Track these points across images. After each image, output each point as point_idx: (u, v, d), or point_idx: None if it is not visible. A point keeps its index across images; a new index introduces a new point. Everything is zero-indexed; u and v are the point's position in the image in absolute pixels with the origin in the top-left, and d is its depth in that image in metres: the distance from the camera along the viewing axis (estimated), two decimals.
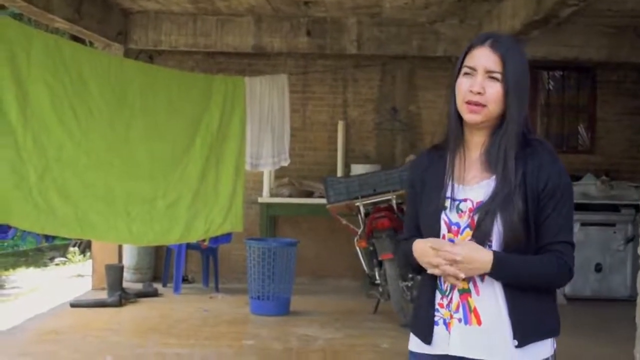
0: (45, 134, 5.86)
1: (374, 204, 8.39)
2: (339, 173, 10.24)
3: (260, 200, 10.18)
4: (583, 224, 9.80)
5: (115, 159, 6.68)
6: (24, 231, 5.77)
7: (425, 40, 9.68)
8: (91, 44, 10.14)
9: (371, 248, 8.30)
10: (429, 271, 2.58)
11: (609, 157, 10.77)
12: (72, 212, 6.15)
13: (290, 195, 10.13)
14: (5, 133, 5.49)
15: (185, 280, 10.16)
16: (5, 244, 5.69)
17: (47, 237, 6.10)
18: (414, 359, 2.74)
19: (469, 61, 2.59)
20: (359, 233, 8.46)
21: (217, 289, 9.84)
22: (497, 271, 2.49)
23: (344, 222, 8.75)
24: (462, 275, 2.50)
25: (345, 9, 9.24)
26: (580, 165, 10.59)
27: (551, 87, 11.01)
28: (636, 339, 4.16)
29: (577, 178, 10.07)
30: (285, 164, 8.58)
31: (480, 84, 2.54)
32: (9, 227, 5.64)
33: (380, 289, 8.42)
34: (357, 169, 9.94)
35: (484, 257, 2.48)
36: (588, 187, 9.94)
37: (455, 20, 9.55)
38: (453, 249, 2.50)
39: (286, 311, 8.62)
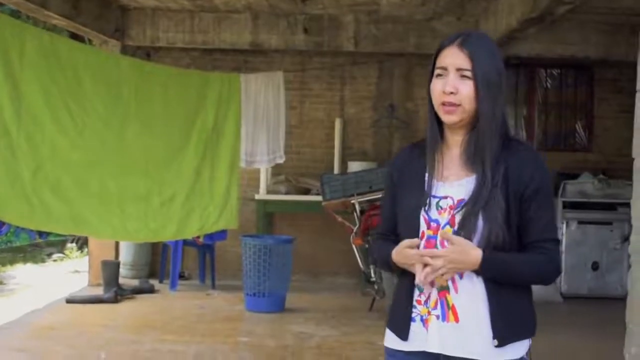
0: (39, 132, 5.85)
1: (370, 201, 8.39)
2: (336, 170, 10.24)
3: (256, 197, 10.19)
4: (580, 222, 9.83)
5: (110, 156, 6.66)
6: (18, 227, 5.77)
7: (422, 37, 9.68)
8: (90, 41, 10.15)
9: (367, 245, 8.31)
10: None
11: (607, 155, 10.76)
12: (66, 209, 6.15)
13: (287, 193, 10.14)
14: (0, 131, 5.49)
15: (181, 276, 10.16)
16: None
17: (41, 234, 6.10)
18: (389, 356, 2.74)
19: (440, 62, 2.61)
20: (354, 230, 8.47)
21: (213, 286, 9.84)
22: (486, 270, 2.51)
23: (340, 219, 8.76)
24: (448, 277, 2.54)
25: (342, 6, 9.24)
26: (578, 163, 10.60)
27: (548, 85, 10.99)
28: (626, 338, 4.15)
29: (574, 176, 10.09)
30: (281, 161, 8.58)
31: (452, 84, 2.56)
32: (2, 224, 5.64)
33: (376, 287, 8.43)
34: (355, 166, 9.94)
35: (472, 258, 2.49)
36: (585, 186, 9.95)
37: (452, 17, 9.54)
38: (439, 252, 2.51)
39: (282, 308, 8.62)
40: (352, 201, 8.42)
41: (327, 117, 10.75)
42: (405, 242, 2.58)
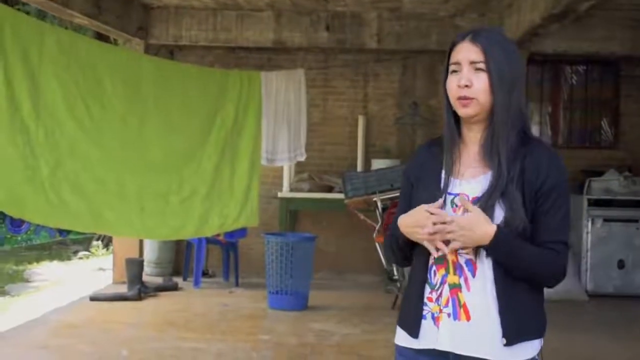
0: (57, 128, 5.88)
1: (392, 199, 8.36)
2: (359, 168, 10.23)
3: (280, 195, 10.19)
4: (606, 220, 9.73)
5: (129, 154, 6.69)
6: (38, 225, 5.81)
7: (445, 34, 9.60)
8: (116, 41, 10.20)
9: None
10: (419, 237, 2.53)
11: (633, 152, 10.65)
12: (85, 207, 6.18)
13: (310, 190, 10.12)
14: (18, 128, 5.51)
15: (205, 274, 10.19)
16: (19, 238, 5.73)
17: (61, 231, 6.15)
18: (399, 354, 2.71)
19: (453, 58, 2.59)
20: (377, 228, 8.45)
21: (237, 284, 9.85)
22: (495, 247, 2.46)
23: (362, 217, 8.75)
24: (457, 245, 2.47)
25: (364, 3, 9.23)
26: (604, 160, 10.50)
27: (574, 82, 10.89)
28: None
29: (600, 173, 10.00)
30: (302, 159, 8.57)
31: (467, 77, 2.54)
32: (22, 222, 5.68)
33: (399, 285, 8.41)
34: (378, 163, 9.91)
35: (484, 229, 2.44)
36: (611, 183, 9.86)
37: (475, 14, 9.49)
38: (452, 217, 2.47)
39: (304, 306, 8.62)
40: (374, 199, 8.40)
41: (350, 114, 10.75)
42: (423, 206, 2.54)
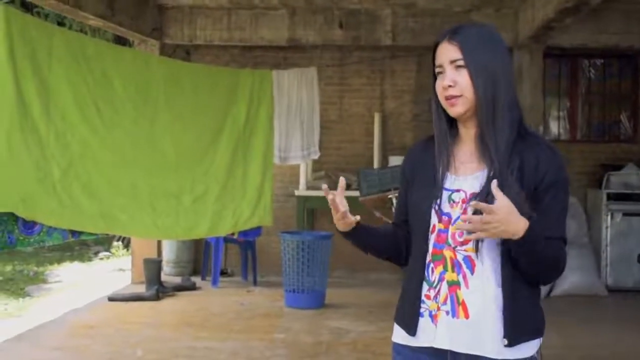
0: (68, 130, 5.91)
1: None
2: (376, 165, 10.19)
3: (297, 193, 10.18)
4: (625, 214, 9.68)
5: (140, 154, 6.71)
6: (50, 227, 5.82)
7: None
8: (132, 43, 10.21)
9: None
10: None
11: None
12: (97, 208, 6.20)
13: None
14: (29, 130, 5.53)
15: (224, 273, 10.22)
16: (32, 239, 5.74)
17: (74, 233, 6.16)
18: (396, 352, 2.69)
19: (436, 61, 2.59)
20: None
21: (255, 282, 9.86)
22: (529, 239, 2.36)
23: (378, 214, 8.70)
24: (482, 235, 2.37)
25: (378, 0, 9.20)
26: (623, 154, 10.42)
27: (592, 76, 10.82)
28: None
29: (619, 167, 9.93)
30: (315, 157, 8.56)
31: (450, 77, 2.53)
32: (34, 223, 5.70)
33: None
34: (395, 160, 9.86)
35: (521, 220, 2.35)
36: (630, 177, 9.79)
37: (490, 9, 9.42)
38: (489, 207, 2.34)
39: (321, 304, 8.62)
40: (390, 196, 8.37)
41: (367, 111, 10.72)
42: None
